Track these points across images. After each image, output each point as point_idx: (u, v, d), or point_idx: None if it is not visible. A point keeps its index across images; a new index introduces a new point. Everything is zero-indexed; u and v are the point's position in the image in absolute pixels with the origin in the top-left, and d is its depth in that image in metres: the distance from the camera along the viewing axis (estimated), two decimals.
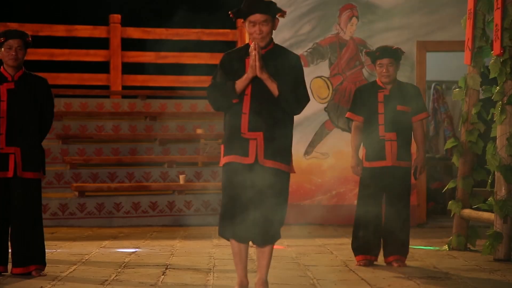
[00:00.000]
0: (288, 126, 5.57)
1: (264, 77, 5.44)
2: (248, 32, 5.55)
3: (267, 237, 5.48)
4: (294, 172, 5.59)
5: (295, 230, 10.09)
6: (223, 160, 5.55)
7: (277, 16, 5.52)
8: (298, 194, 10.75)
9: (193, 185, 11.13)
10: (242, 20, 5.58)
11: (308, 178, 10.77)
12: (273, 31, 5.56)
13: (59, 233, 9.82)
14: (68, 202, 10.64)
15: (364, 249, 7.01)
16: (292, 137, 5.64)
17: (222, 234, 5.57)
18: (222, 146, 5.60)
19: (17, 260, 6.51)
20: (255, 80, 5.47)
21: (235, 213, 5.45)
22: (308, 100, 5.54)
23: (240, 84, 5.47)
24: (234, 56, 5.61)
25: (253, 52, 5.42)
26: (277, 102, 5.46)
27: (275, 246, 5.63)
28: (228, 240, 5.58)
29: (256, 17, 5.46)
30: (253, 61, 5.42)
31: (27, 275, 6.47)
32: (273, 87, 5.45)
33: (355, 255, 7.08)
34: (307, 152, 10.85)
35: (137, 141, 12.26)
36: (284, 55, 5.58)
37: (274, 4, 5.53)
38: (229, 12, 5.56)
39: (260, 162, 5.44)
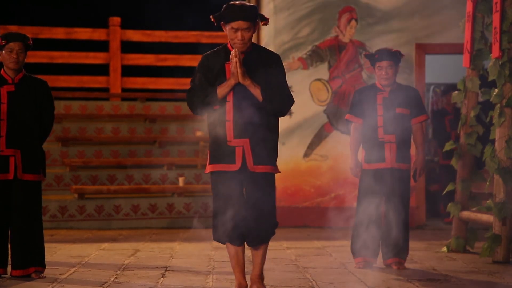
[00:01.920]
0: (273, 129, 5.51)
1: (247, 83, 5.38)
2: (229, 37, 5.45)
3: (260, 238, 5.48)
4: (279, 172, 5.59)
5: (294, 232, 10.10)
6: (209, 168, 5.52)
7: (258, 21, 5.45)
8: (297, 196, 10.77)
9: (192, 188, 11.14)
10: (222, 23, 5.48)
11: (307, 180, 10.79)
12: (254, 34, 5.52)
13: (58, 235, 9.82)
14: (68, 205, 10.65)
15: (363, 251, 7.02)
16: (278, 138, 5.59)
17: (217, 239, 5.58)
18: (208, 152, 5.58)
19: (17, 262, 6.52)
20: (236, 86, 5.41)
21: (228, 218, 5.45)
22: (292, 100, 5.49)
23: (222, 91, 5.40)
24: (213, 60, 5.52)
25: (234, 59, 5.35)
26: (261, 106, 5.42)
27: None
28: (224, 243, 5.59)
29: (239, 24, 5.38)
30: (234, 68, 5.35)
31: (27, 277, 6.48)
32: (256, 93, 5.40)
33: (354, 257, 7.09)
34: (306, 155, 10.87)
35: (136, 144, 12.28)
36: (264, 56, 5.51)
37: (256, 9, 5.45)
38: (211, 16, 5.51)
39: (250, 168, 5.43)
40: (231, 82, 5.40)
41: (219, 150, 5.47)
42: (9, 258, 6.58)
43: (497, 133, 7.62)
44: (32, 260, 6.53)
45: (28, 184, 6.54)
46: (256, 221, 5.43)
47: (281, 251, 8.17)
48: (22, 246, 6.51)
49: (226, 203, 5.46)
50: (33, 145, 6.57)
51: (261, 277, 5.55)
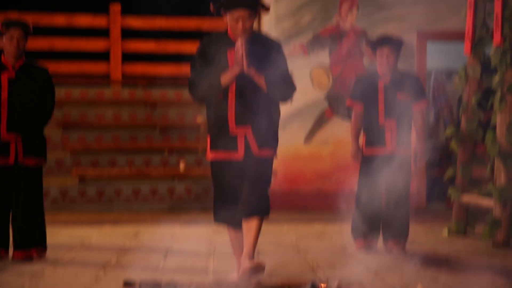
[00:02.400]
0: (275, 115, 5.53)
1: (252, 73, 5.37)
2: (230, 26, 5.41)
3: (252, 208, 5.41)
4: (277, 157, 5.59)
5: (295, 215, 10.12)
6: (211, 155, 5.51)
7: (259, 8, 5.41)
8: (298, 181, 10.79)
9: (193, 172, 11.16)
10: (222, 10, 5.42)
11: (308, 165, 10.81)
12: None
13: (59, 219, 9.83)
14: (69, 189, 10.68)
15: (364, 232, 7.04)
16: (279, 124, 5.60)
17: (218, 221, 5.60)
18: (208, 137, 5.57)
19: (18, 243, 6.53)
20: (239, 74, 5.39)
21: (228, 202, 5.47)
22: (295, 88, 5.49)
23: (225, 79, 5.37)
24: (213, 46, 5.48)
25: (240, 50, 5.32)
26: (263, 94, 5.42)
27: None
28: (224, 224, 5.60)
29: (240, 12, 5.33)
30: (240, 58, 5.33)
31: (29, 260, 6.49)
32: (260, 82, 5.38)
33: (354, 238, 7.12)
34: (307, 140, 10.89)
35: (137, 129, 12.29)
36: (266, 44, 5.48)
37: None
38: (210, 5, 5.46)
39: (255, 153, 5.43)
40: (235, 70, 5.37)
41: (220, 137, 5.46)
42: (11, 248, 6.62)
43: (498, 119, 7.65)
44: (34, 240, 6.56)
45: (29, 170, 6.57)
46: (250, 191, 5.40)
47: (282, 234, 8.19)
48: (23, 227, 6.53)
49: (226, 187, 5.48)
50: (34, 130, 6.60)
51: (251, 258, 5.46)
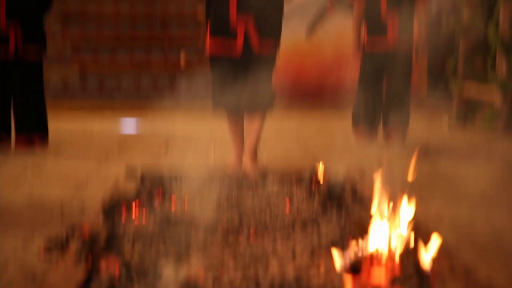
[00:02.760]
0: (278, 7, 5.47)
1: None
2: None
3: (255, 102, 5.43)
4: (279, 52, 5.56)
5: (295, 110, 10.16)
6: (210, 50, 5.47)
7: None
8: (299, 77, 10.80)
9: (194, 65, 11.16)
10: None
11: (309, 60, 10.80)
12: None
13: (60, 111, 9.88)
14: (69, 82, 10.68)
15: (364, 119, 7.07)
16: (282, 17, 5.56)
17: (216, 105, 5.59)
18: (207, 33, 5.54)
19: (20, 126, 6.58)
20: None
21: (227, 86, 5.46)
22: None
23: None
24: None
25: None
26: None
27: None
28: (223, 109, 5.60)
29: None
30: None
31: (31, 144, 6.54)
32: None
33: (355, 125, 7.15)
34: (308, 35, 10.84)
35: (137, 21, 12.22)
36: None
37: None
38: None
39: (256, 47, 5.40)
40: None
41: (220, 33, 5.41)
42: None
43: (502, 10, 7.60)
44: (35, 125, 6.60)
45: (30, 65, 6.57)
46: (252, 86, 5.41)
47: (282, 130, 8.23)
48: (24, 111, 6.57)
49: (225, 71, 5.46)
50: (33, 17, 6.57)
51: (254, 153, 5.53)
